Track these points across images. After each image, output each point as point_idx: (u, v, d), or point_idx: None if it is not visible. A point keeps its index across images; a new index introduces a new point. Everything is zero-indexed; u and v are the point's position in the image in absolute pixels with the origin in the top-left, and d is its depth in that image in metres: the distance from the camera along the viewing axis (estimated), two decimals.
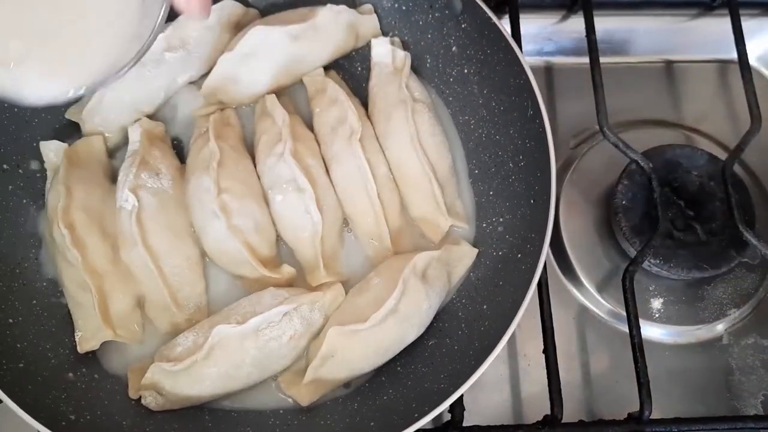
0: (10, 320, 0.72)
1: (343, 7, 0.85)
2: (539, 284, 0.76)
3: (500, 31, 0.78)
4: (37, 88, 0.51)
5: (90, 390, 0.72)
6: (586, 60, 0.88)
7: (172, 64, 0.83)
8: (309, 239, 0.78)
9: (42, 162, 0.81)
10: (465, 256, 0.80)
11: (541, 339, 0.76)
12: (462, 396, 0.68)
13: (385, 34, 0.89)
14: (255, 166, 0.81)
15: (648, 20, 1.03)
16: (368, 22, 0.87)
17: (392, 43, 0.86)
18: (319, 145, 0.83)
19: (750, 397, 0.84)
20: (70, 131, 0.83)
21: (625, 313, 0.78)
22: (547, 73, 1.01)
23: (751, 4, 1.02)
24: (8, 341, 0.70)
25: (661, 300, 0.87)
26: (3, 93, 0.52)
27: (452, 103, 0.87)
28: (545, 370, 0.75)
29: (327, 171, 0.81)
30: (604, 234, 0.90)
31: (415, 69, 0.87)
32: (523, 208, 0.77)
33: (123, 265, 0.76)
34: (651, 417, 0.74)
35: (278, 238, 0.80)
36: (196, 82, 0.86)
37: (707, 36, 1.03)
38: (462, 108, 0.86)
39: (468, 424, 0.74)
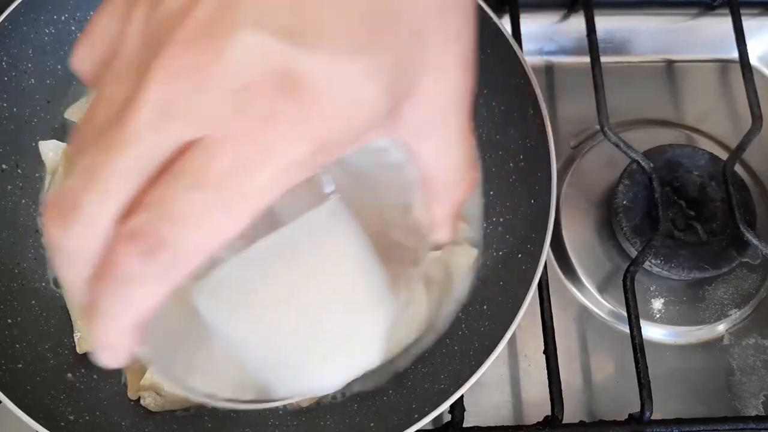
0: (10, 320, 0.72)
1: None
2: (539, 284, 0.76)
3: (500, 30, 0.77)
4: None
5: (90, 390, 0.72)
6: (586, 59, 0.88)
7: None
8: None
9: (42, 162, 0.81)
10: (465, 256, 0.80)
11: (542, 339, 0.76)
12: (462, 396, 0.68)
13: None
14: None
15: (649, 20, 1.03)
16: None
17: None
18: None
19: (751, 398, 0.84)
20: (70, 131, 0.83)
21: (625, 314, 0.78)
22: (548, 72, 1.01)
23: (752, 4, 1.02)
24: (8, 341, 0.70)
25: (662, 300, 0.87)
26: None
27: None
28: (546, 371, 0.75)
29: None
30: (605, 234, 0.90)
31: None
32: (523, 208, 0.77)
33: None
34: (652, 417, 0.74)
35: None
36: None
37: (708, 35, 1.02)
38: None
39: (468, 425, 0.73)
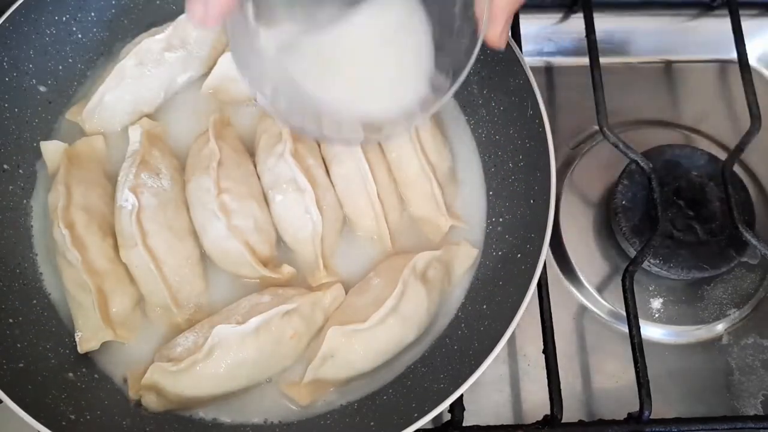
0: (10, 320, 0.72)
1: None
2: (539, 284, 0.76)
3: None
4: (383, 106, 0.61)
5: (90, 390, 0.72)
6: (586, 60, 0.88)
7: (172, 64, 0.83)
8: (309, 239, 0.78)
9: (42, 162, 0.81)
10: (465, 256, 0.80)
11: (541, 339, 0.76)
12: (462, 396, 0.68)
13: None
14: (255, 167, 0.81)
15: (648, 20, 1.03)
16: None
17: None
18: (319, 145, 0.83)
19: (750, 397, 0.84)
20: (70, 131, 0.83)
21: (625, 313, 0.78)
22: (547, 73, 1.01)
23: (751, 4, 1.02)
24: (8, 341, 0.70)
25: (661, 300, 0.87)
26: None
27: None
28: (545, 370, 0.75)
29: (327, 171, 0.81)
30: (604, 234, 0.90)
31: None
32: (523, 208, 0.77)
33: (123, 265, 0.76)
34: (651, 417, 0.74)
35: (278, 238, 0.80)
36: (197, 82, 0.86)
37: (707, 36, 1.03)
38: (461, 108, 0.86)
39: (468, 424, 0.74)
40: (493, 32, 0.55)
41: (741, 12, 0.94)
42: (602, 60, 0.88)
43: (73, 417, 0.68)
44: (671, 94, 1.01)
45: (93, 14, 0.84)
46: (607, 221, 0.90)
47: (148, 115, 0.84)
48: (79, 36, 0.84)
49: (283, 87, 0.59)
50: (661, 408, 0.76)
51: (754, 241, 0.82)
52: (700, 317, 0.86)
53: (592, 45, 0.88)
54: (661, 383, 0.82)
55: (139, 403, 0.72)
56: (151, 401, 0.71)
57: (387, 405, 0.73)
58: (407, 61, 0.60)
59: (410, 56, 0.60)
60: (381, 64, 0.60)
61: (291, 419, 0.73)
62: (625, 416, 0.76)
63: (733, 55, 0.92)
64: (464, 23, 0.57)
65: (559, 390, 0.74)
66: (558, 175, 0.76)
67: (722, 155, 0.90)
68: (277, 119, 0.68)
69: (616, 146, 0.84)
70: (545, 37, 1.02)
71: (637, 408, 0.74)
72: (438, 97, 0.59)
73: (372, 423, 0.70)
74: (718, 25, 0.99)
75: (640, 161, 0.84)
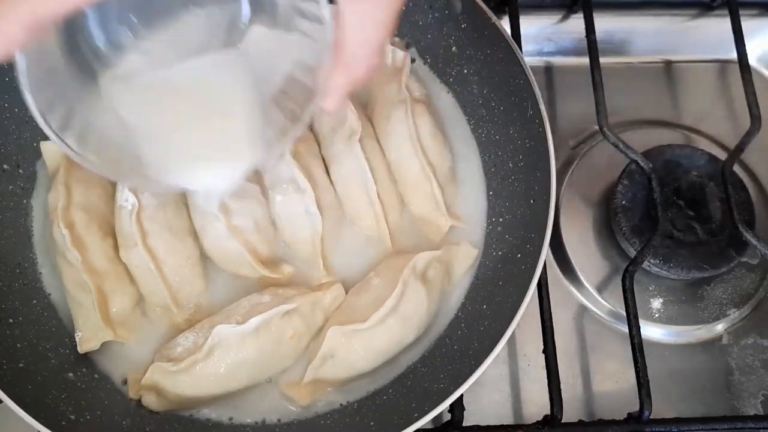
0: (10, 320, 0.72)
1: None
2: (539, 284, 0.76)
3: (500, 31, 0.78)
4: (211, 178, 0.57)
5: (90, 390, 0.72)
6: (586, 60, 0.88)
7: None
8: (309, 239, 0.78)
9: (42, 162, 0.81)
10: (465, 256, 0.80)
11: (541, 339, 0.76)
12: (462, 396, 0.68)
13: None
14: None
15: (648, 20, 1.03)
16: None
17: (392, 43, 0.86)
18: (318, 145, 0.83)
19: (750, 397, 0.84)
20: None
21: (624, 313, 0.78)
22: (547, 73, 1.01)
23: (751, 4, 1.02)
24: (8, 341, 0.70)
25: (661, 300, 0.87)
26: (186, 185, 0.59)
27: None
28: (545, 370, 0.75)
29: (327, 171, 0.81)
30: (604, 234, 0.90)
31: (415, 68, 0.87)
32: (523, 208, 0.77)
33: (123, 265, 0.76)
34: (651, 417, 0.74)
35: (278, 238, 0.80)
36: None
37: (707, 36, 1.03)
38: (462, 108, 0.86)
39: (468, 424, 0.74)
40: (328, 105, 0.54)
41: (741, 12, 0.94)
42: (602, 60, 0.88)
43: (73, 417, 0.68)
44: (671, 94, 1.01)
45: None
46: (607, 221, 0.90)
47: None
48: None
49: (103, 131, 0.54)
50: (661, 408, 0.76)
51: (754, 241, 0.82)
52: (700, 317, 0.86)
53: (592, 45, 0.88)
54: (661, 383, 0.82)
55: (139, 403, 0.72)
56: (151, 401, 0.71)
57: (387, 405, 0.73)
58: (238, 123, 0.55)
59: (241, 116, 0.55)
60: (210, 127, 0.55)
61: (291, 419, 0.73)
62: (625, 416, 0.76)
63: (733, 55, 0.92)
64: (301, 89, 0.54)
65: (559, 390, 0.74)
66: (558, 175, 0.76)
67: (722, 155, 0.90)
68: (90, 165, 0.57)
69: (616, 146, 0.84)
70: (545, 37, 1.02)
71: (637, 408, 0.74)
72: (266, 157, 0.56)
73: (372, 423, 0.70)
74: (718, 25, 0.99)
75: (640, 161, 0.84)
